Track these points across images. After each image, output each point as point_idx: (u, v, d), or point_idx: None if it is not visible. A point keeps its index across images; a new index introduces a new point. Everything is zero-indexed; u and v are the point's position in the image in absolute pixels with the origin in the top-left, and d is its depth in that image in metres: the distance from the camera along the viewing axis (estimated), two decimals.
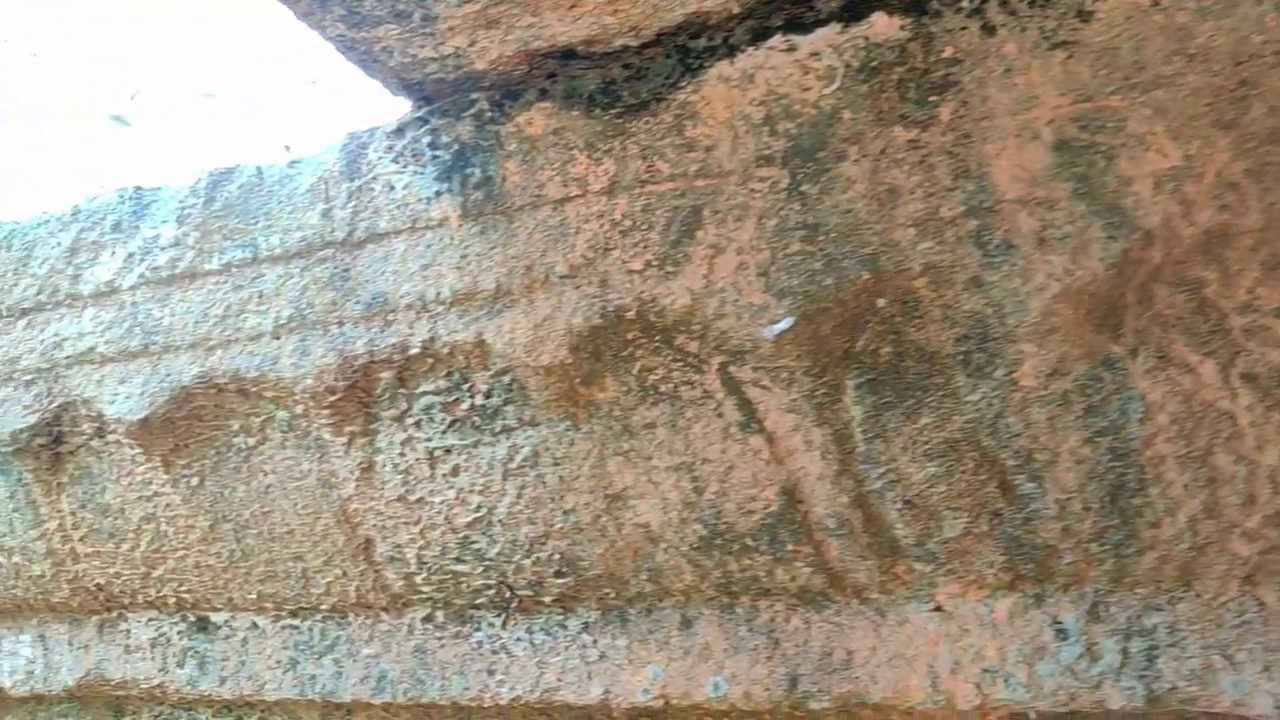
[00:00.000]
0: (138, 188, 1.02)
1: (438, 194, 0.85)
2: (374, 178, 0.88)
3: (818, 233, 0.73)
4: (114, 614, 1.17)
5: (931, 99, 0.69)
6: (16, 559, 1.14)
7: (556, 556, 0.90)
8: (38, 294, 1.04)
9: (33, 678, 1.21)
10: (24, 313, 1.05)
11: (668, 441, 0.83)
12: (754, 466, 0.81)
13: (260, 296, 0.93)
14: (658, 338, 0.81)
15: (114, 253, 1.00)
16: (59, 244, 1.04)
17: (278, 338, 0.92)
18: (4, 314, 1.06)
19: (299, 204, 0.92)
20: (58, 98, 2.68)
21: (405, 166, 0.87)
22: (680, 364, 0.81)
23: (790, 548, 0.83)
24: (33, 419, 1.03)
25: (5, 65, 2.71)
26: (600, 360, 0.82)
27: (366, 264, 0.88)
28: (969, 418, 0.74)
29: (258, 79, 2.88)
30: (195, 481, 1.01)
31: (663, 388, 0.82)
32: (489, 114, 0.83)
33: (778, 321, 0.73)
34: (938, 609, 0.81)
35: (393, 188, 0.87)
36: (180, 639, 1.13)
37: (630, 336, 0.81)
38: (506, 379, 0.85)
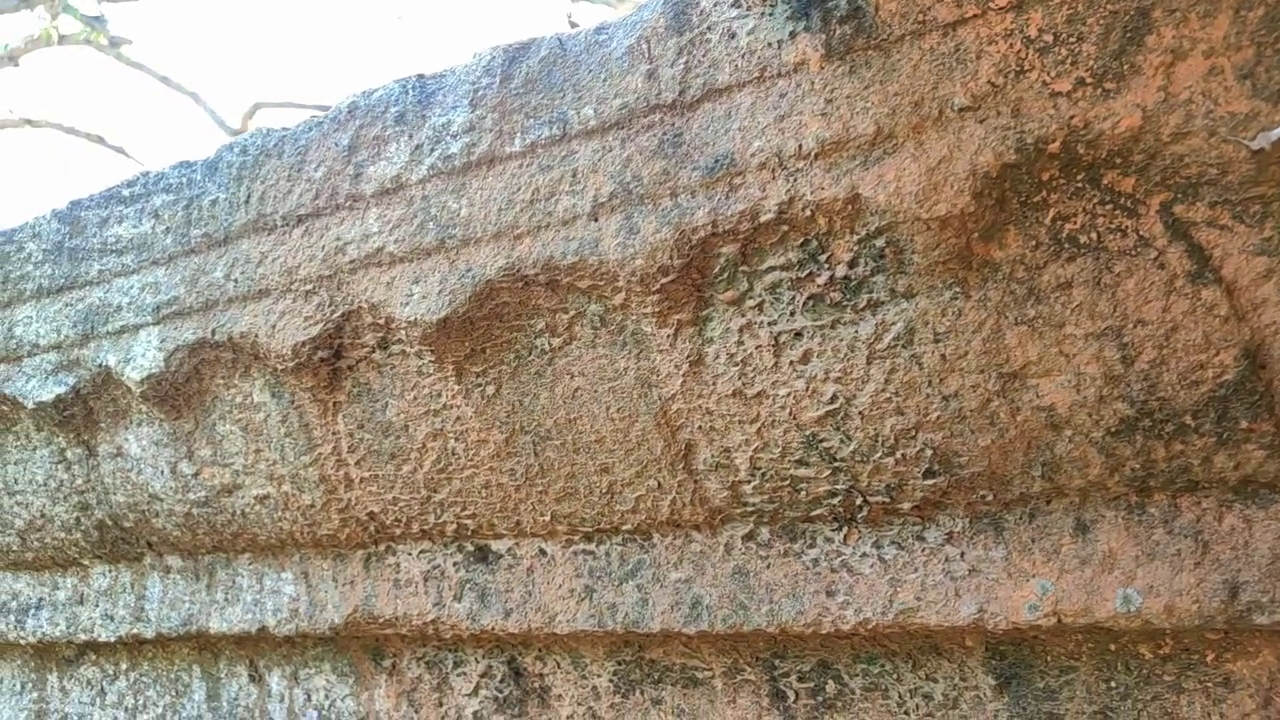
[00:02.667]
0: (420, 75, 0.95)
1: (792, 35, 0.74)
2: (708, 28, 0.78)
3: None
4: (381, 547, 1.11)
5: None
6: (286, 488, 1.09)
7: (928, 452, 0.78)
8: (314, 199, 0.98)
9: (297, 616, 1.16)
10: (300, 220, 0.99)
11: (1088, 304, 0.70)
12: (1205, 326, 0.67)
13: (574, 175, 0.84)
14: (1080, 177, 0.68)
15: (399, 146, 0.93)
16: (335, 144, 0.98)
17: (596, 219, 0.83)
18: (278, 224, 1.01)
19: (614, 70, 0.83)
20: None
21: (748, 10, 0.76)
22: (1108, 207, 0.68)
23: (1243, 425, 0.69)
24: (315, 330, 0.97)
25: None
26: (1004, 209, 0.70)
27: (704, 125, 0.78)
28: None
29: None
30: (491, 390, 0.93)
31: (1082, 239, 0.69)
32: None
33: (1272, 129, 0.60)
34: None
35: (733, 36, 0.77)
36: (457, 571, 1.05)
37: (1046, 177, 0.69)
38: (879, 243, 0.74)
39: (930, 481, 0.79)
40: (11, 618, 1.42)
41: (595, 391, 0.89)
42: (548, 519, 0.97)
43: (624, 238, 0.81)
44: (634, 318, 0.84)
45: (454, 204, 0.90)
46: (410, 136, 0.93)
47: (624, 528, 0.95)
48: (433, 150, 0.91)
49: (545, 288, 0.87)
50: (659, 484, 0.90)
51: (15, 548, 1.36)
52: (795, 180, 0.74)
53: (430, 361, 0.93)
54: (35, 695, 1.51)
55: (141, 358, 1.09)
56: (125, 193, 1.14)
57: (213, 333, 1.04)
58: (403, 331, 0.93)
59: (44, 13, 9.45)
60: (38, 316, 1.20)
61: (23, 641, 1.41)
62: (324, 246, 0.97)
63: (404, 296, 0.91)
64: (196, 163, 1.10)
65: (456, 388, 0.94)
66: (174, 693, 1.37)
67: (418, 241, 0.91)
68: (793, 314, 0.79)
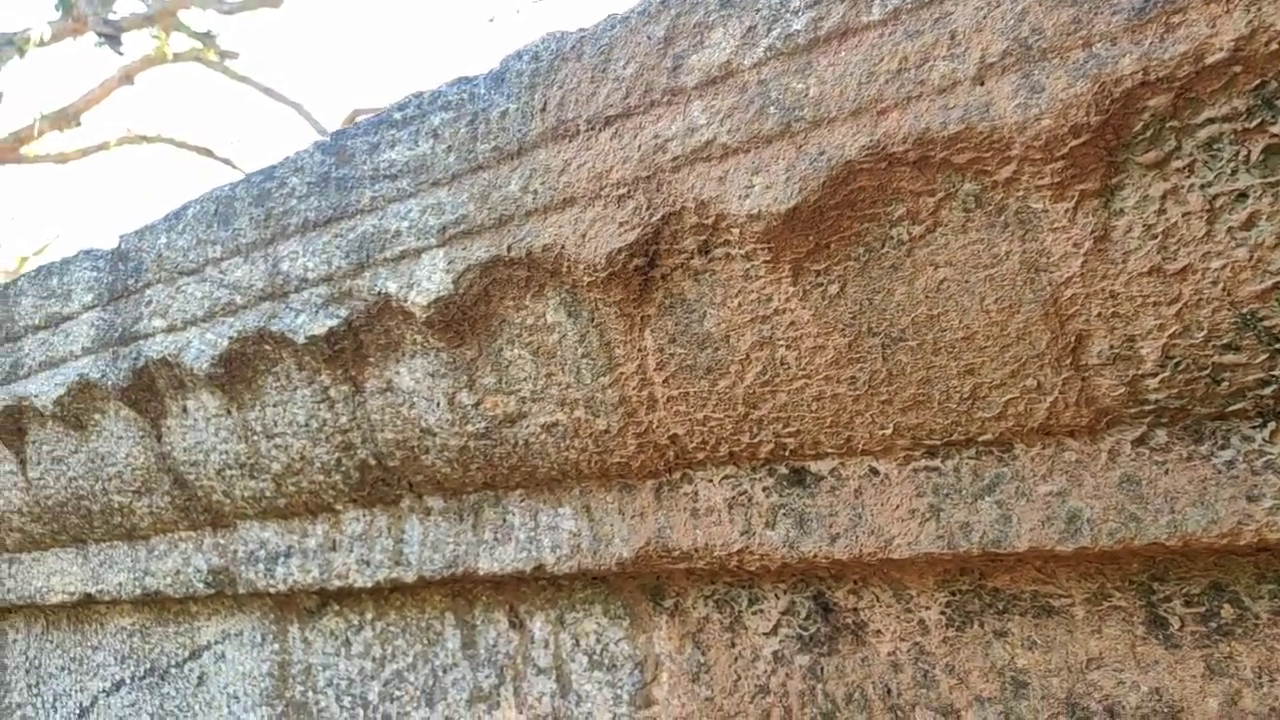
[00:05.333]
0: None
1: None
2: None
3: None
4: (677, 475, 1.05)
5: None
6: (579, 413, 1.04)
7: None
8: (624, 98, 0.93)
9: (579, 553, 1.11)
10: (608, 122, 0.94)
11: None
12: None
13: (951, 38, 0.76)
14: None
15: (726, 31, 0.87)
16: (647, 38, 0.92)
17: (982, 82, 0.75)
18: (581, 129, 0.95)
19: None
20: None
21: None
22: None
23: None
24: (632, 235, 0.91)
25: None
26: None
27: None
28: None
29: None
30: (834, 290, 0.86)
31: None
32: None
33: None
34: None
35: None
36: (767, 496, 0.99)
37: None
38: None
39: None
40: (260, 566, 1.42)
41: (966, 282, 0.80)
42: (888, 433, 0.89)
43: (1024, 98, 0.72)
44: (1020, 194, 0.76)
45: (798, 85, 0.82)
46: (740, 19, 0.86)
47: (981, 438, 0.86)
48: (770, 31, 0.84)
49: (912, 167, 0.79)
50: (1038, 384, 0.81)
51: (269, 494, 1.36)
52: (1260, 9, 0.65)
53: (763, 262, 0.87)
54: (276, 647, 1.51)
55: (427, 281, 1.05)
56: (397, 116, 1.11)
57: (508, 249, 1.00)
58: (734, 230, 0.86)
59: (158, 31, 9.87)
60: (304, 250, 1.18)
61: (272, 590, 1.41)
62: (639, 146, 0.91)
63: (741, 189, 0.85)
64: (478, 77, 1.06)
65: (791, 290, 0.87)
66: (425, 641, 1.34)
67: (756, 129, 0.84)
68: (1234, 173, 0.69)
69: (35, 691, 1.85)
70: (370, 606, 1.40)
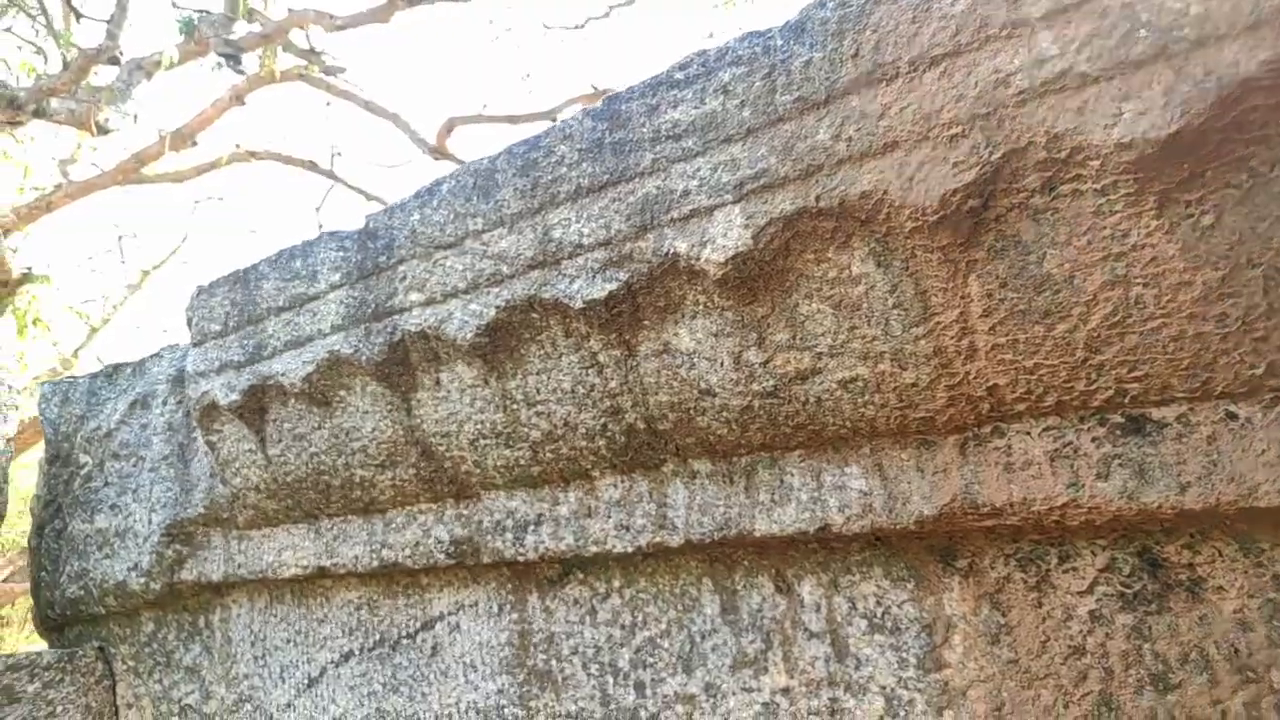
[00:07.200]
0: None
1: None
2: None
3: None
4: (986, 429, 1.02)
5: None
6: (884, 367, 1.02)
7: None
8: (953, 36, 0.90)
9: (871, 512, 1.09)
10: (934, 62, 0.92)
11: None
12: None
13: None
14: None
15: None
16: None
17: None
18: (901, 71, 0.93)
19: None
20: None
21: None
22: None
23: None
24: (969, 176, 0.89)
25: None
26: None
27: None
28: None
29: None
30: (1207, 221, 0.81)
31: None
32: None
33: None
34: None
35: None
36: (1097, 447, 0.95)
37: None
38: None
39: None
40: (508, 536, 1.44)
41: None
42: (1258, 373, 0.85)
43: None
44: None
45: (1176, 4, 0.79)
46: None
47: None
48: None
49: None
50: None
51: (523, 462, 1.38)
52: None
53: (1124, 195, 0.83)
54: (515, 617, 1.53)
55: (722, 238, 1.05)
56: (678, 76, 1.11)
57: (816, 199, 0.98)
58: (1093, 163, 0.83)
59: (267, 51, 10.26)
60: (577, 217, 1.19)
61: (520, 559, 1.43)
62: (974, 84, 0.89)
63: (1106, 118, 0.81)
64: (771, 30, 1.05)
65: (1155, 223, 0.83)
66: (679, 608, 1.34)
67: (1122, 55, 0.81)
68: None
69: (262, 663, 1.93)
70: (618, 574, 1.41)
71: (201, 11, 8.77)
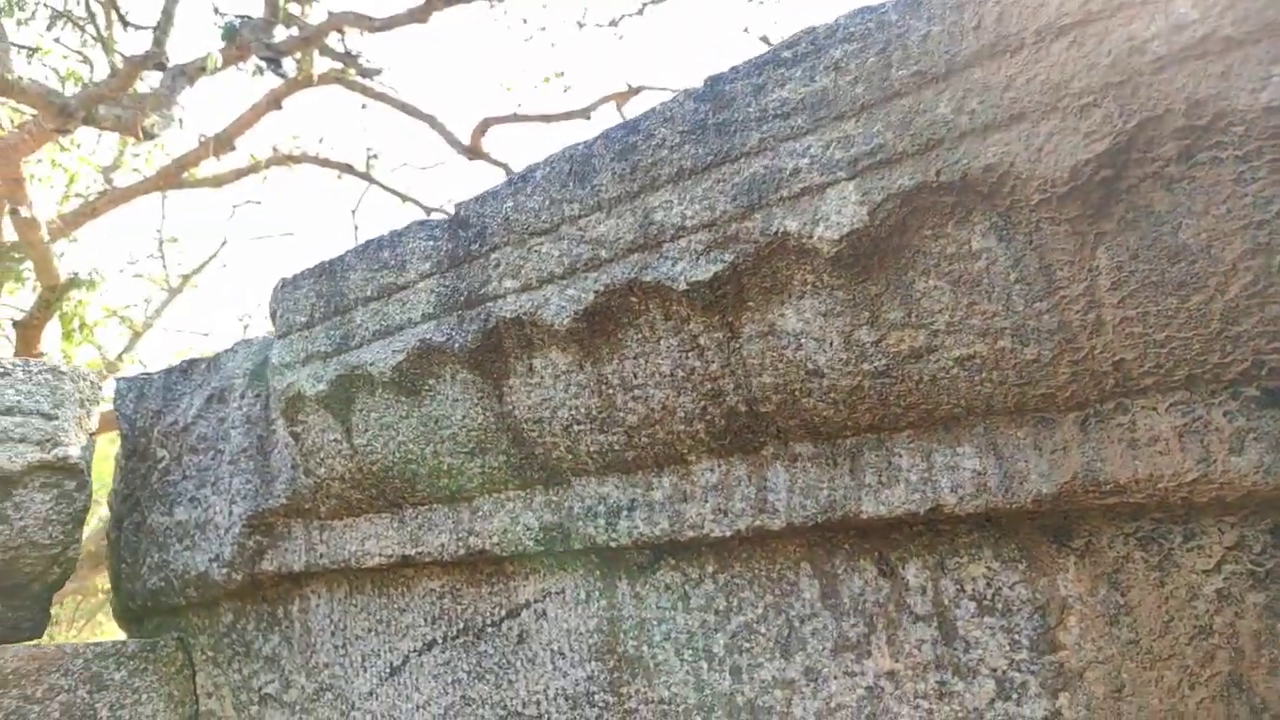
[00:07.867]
0: None
1: None
2: None
3: None
4: (1109, 405, 1.00)
5: None
6: (1004, 343, 1.01)
7: None
8: (1083, 4, 0.89)
9: (985, 491, 1.08)
10: (1061, 31, 0.91)
11: None
12: None
13: None
14: None
15: None
16: None
17: None
18: (1026, 41, 0.93)
19: None
20: None
21: None
22: None
23: None
24: (1101, 145, 0.88)
25: None
26: None
27: None
28: None
29: None
30: None
31: None
32: None
33: None
34: None
35: None
36: (1230, 421, 0.93)
37: None
38: None
39: None
40: (600, 521, 1.45)
41: None
42: None
43: None
44: None
45: None
46: None
47: None
48: None
49: None
50: None
51: (616, 447, 1.38)
52: None
53: (1269, 161, 0.82)
54: (604, 604, 1.54)
55: (836, 215, 1.04)
56: (785, 54, 1.11)
57: (937, 174, 0.98)
58: (1237, 129, 0.82)
59: (303, 55, 10.37)
60: (679, 199, 1.19)
61: (612, 544, 1.43)
62: (1108, 51, 0.88)
63: (1254, 82, 0.80)
64: (882, 5, 1.04)
65: None
66: (776, 592, 1.34)
67: (1271, 16, 0.79)
68: None
69: (343, 652, 1.95)
70: (711, 559, 1.41)
71: (243, 17, 8.89)
